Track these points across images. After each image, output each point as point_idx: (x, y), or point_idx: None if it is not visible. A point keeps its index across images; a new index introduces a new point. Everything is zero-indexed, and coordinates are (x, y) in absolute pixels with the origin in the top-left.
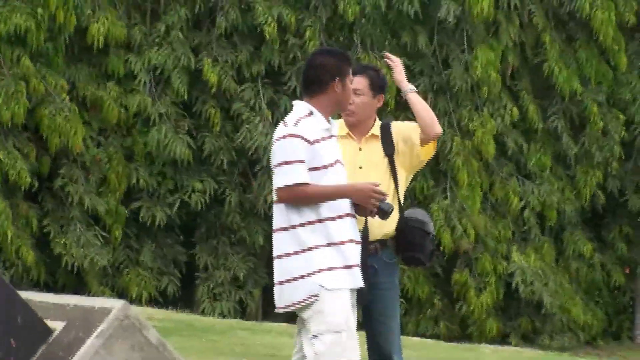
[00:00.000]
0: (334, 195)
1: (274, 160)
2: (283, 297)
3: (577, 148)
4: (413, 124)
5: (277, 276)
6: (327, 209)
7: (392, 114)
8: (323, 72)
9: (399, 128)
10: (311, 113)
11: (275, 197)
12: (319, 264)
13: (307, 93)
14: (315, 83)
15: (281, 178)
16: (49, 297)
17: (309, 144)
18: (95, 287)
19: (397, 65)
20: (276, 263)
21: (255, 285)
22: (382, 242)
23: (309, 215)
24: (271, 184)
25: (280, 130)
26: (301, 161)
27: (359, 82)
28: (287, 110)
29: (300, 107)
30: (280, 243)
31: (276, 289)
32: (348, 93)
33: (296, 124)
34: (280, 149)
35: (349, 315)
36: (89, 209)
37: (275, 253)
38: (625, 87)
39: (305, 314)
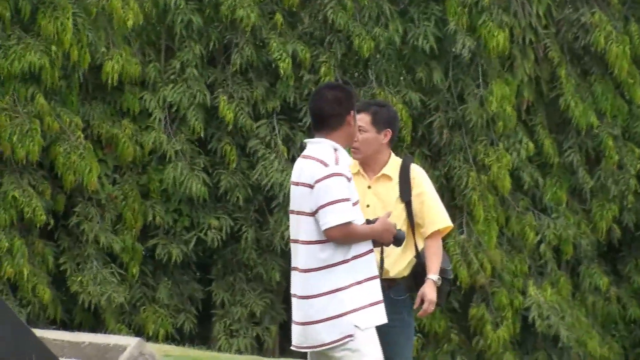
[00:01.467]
0: (371, 234)
1: (322, 200)
2: (310, 337)
3: (593, 182)
4: (430, 214)
5: (305, 316)
6: (355, 247)
7: (407, 149)
8: (339, 106)
9: (419, 191)
10: (336, 150)
11: (308, 238)
12: (351, 304)
13: (324, 128)
14: (332, 117)
15: (334, 217)
16: (64, 335)
17: (348, 181)
18: (112, 324)
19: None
20: (303, 303)
21: (272, 321)
22: (392, 280)
23: (340, 254)
24: (287, 220)
25: (321, 169)
26: (348, 199)
27: (362, 119)
28: (303, 147)
29: (326, 144)
30: (310, 283)
31: (299, 328)
32: (357, 127)
33: (337, 162)
34: (329, 189)
35: (380, 350)
36: (104, 246)
37: (303, 293)
38: (639, 121)
39: (338, 354)
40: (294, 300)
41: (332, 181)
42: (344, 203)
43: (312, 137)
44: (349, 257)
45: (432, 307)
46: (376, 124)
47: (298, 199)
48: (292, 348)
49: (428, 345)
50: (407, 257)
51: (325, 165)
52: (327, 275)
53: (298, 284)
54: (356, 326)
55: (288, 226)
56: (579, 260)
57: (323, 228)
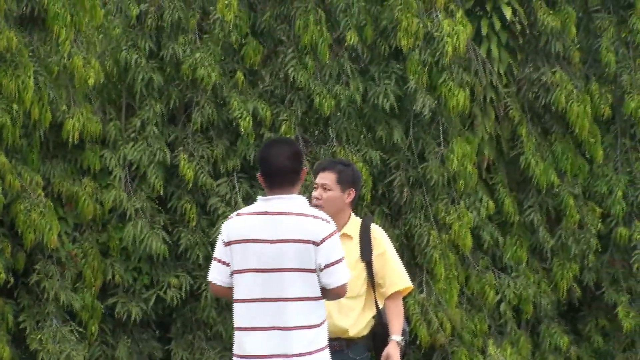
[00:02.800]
0: None
1: (333, 257)
2: None
3: (554, 241)
4: (391, 274)
5: (306, 347)
6: None
7: (368, 207)
8: (298, 162)
9: (381, 251)
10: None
11: (329, 295)
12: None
13: (285, 185)
14: (294, 174)
15: (345, 273)
16: None
17: None
18: None
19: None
20: (310, 332)
21: None
22: (351, 339)
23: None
24: None
25: (326, 226)
26: None
27: (327, 177)
28: (265, 203)
29: (302, 200)
30: (308, 338)
31: None
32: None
33: (329, 220)
34: (337, 246)
35: None
36: (64, 304)
37: (300, 350)
38: (601, 180)
39: None
40: None
41: (337, 238)
42: (345, 260)
43: (267, 194)
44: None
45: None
46: (341, 182)
47: (296, 255)
48: None
49: None
50: (367, 316)
51: (327, 222)
52: (321, 332)
53: (286, 342)
54: None
55: None
56: (539, 319)
57: (336, 284)
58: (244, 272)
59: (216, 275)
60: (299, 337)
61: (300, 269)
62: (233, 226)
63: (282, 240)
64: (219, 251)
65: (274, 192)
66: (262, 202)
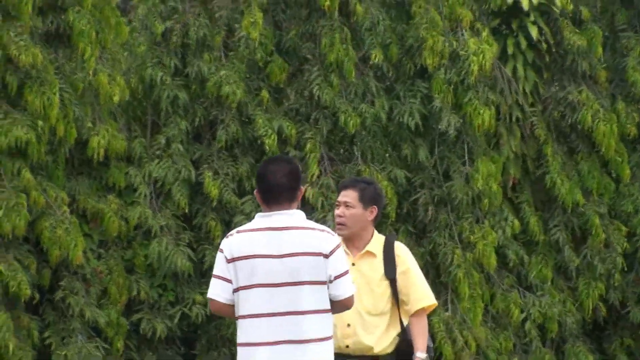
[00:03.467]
0: None
1: (340, 269)
2: None
3: (579, 260)
4: (415, 292)
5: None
6: None
7: (392, 225)
8: (297, 180)
9: (404, 268)
10: None
11: (337, 307)
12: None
13: (284, 202)
14: (292, 191)
15: (351, 285)
16: None
17: None
18: None
19: None
20: (324, 345)
21: None
22: (376, 357)
23: None
24: None
25: (332, 239)
26: None
27: (350, 195)
28: (265, 219)
29: (303, 215)
30: (327, 350)
31: None
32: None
33: (333, 232)
34: (343, 258)
35: None
36: (90, 320)
37: (320, 335)
38: (627, 199)
39: None
40: None
41: (342, 250)
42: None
43: (266, 212)
44: None
45: None
46: (363, 200)
47: (306, 268)
48: None
49: None
50: (392, 334)
51: (332, 234)
52: (332, 345)
53: (302, 355)
54: None
55: None
56: (564, 338)
57: (345, 295)
58: (252, 288)
59: (219, 292)
60: (314, 349)
61: (312, 281)
62: (236, 243)
63: (290, 254)
64: (221, 268)
65: (271, 209)
66: (263, 218)
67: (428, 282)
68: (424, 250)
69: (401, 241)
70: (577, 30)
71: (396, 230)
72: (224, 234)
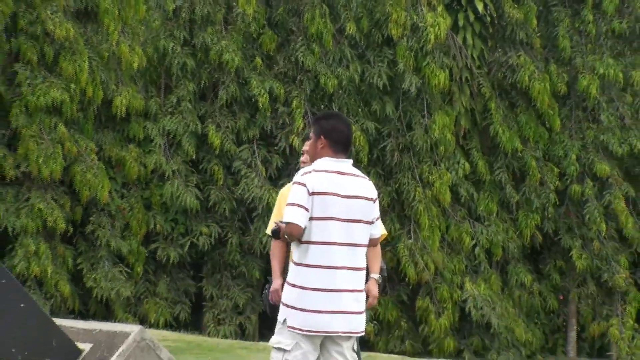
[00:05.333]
0: None
1: (378, 213)
2: (359, 325)
3: (519, 196)
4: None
5: (360, 307)
6: None
7: (365, 169)
8: None
9: None
10: None
11: (371, 242)
12: None
13: (349, 150)
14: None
15: (382, 226)
16: (79, 323)
17: None
18: (121, 314)
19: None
20: (361, 296)
21: (252, 311)
22: None
23: None
24: (264, 227)
25: (374, 187)
26: None
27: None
28: (279, 167)
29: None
30: (363, 279)
31: (353, 317)
32: None
33: None
34: (378, 205)
35: None
36: (114, 249)
37: (362, 287)
38: (558, 145)
39: (353, 341)
40: (345, 295)
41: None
42: None
43: (335, 158)
44: None
45: (375, 302)
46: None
47: (360, 209)
48: (339, 334)
49: (382, 331)
50: None
51: (372, 183)
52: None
53: (358, 280)
54: None
55: (265, 233)
56: (507, 260)
57: (379, 234)
58: (328, 220)
59: (300, 218)
60: (362, 276)
61: (365, 220)
62: (316, 180)
63: (352, 196)
64: (302, 199)
65: (337, 157)
66: (333, 162)
67: (394, 216)
68: (390, 188)
69: (372, 181)
70: (515, 6)
71: (368, 172)
72: (225, 177)
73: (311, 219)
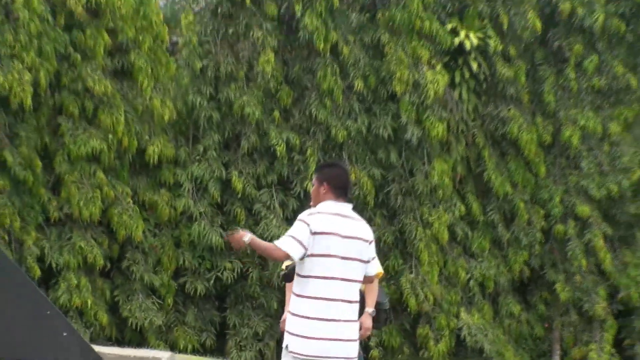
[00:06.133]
0: None
1: (374, 253)
2: (350, 351)
3: (509, 235)
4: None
5: (352, 335)
6: None
7: (371, 210)
8: None
9: None
10: None
11: (367, 280)
12: None
13: (349, 195)
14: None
15: (378, 265)
16: (115, 350)
17: None
18: (153, 341)
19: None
20: (354, 325)
21: (270, 338)
22: None
23: None
24: (281, 264)
25: (371, 230)
26: None
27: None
28: (295, 209)
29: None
30: (356, 311)
31: (344, 344)
32: None
33: None
34: (374, 246)
35: None
36: (147, 283)
37: (354, 318)
38: (544, 189)
39: None
40: (340, 324)
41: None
42: None
43: (336, 202)
44: None
45: (368, 333)
46: (317, 180)
47: (357, 249)
48: (336, 359)
49: (386, 355)
50: None
51: (369, 227)
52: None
53: (348, 311)
54: None
55: (282, 268)
56: (498, 292)
57: (375, 272)
58: (329, 257)
59: (296, 251)
60: (357, 308)
61: (361, 259)
62: (320, 221)
63: (351, 237)
64: (304, 236)
65: (338, 200)
66: (335, 205)
67: (397, 252)
68: (394, 228)
69: (377, 222)
70: (506, 65)
71: (374, 214)
72: (246, 218)
73: (313, 255)
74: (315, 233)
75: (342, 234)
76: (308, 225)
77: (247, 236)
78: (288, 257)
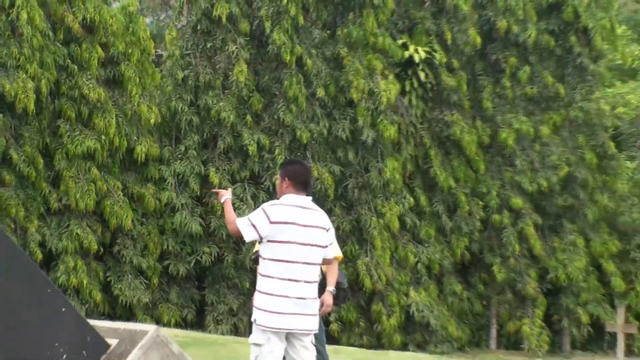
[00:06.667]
0: None
1: (332, 239)
2: (311, 325)
3: (452, 223)
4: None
5: (313, 311)
6: None
7: (332, 202)
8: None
9: None
10: None
11: (326, 262)
12: None
13: (308, 189)
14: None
15: (337, 249)
16: (107, 323)
17: None
18: (141, 316)
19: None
20: (313, 302)
21: (244, 314)
22: None
23: None
24: (252, 248)
25: (328, 219)
26: None
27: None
28: (264, 201)
29: (310, 199)
30: (315, 289)
31: (307, 318)
32: None
33: None
34: (332, 231)
35: None
36: (136, 265)
37: (312, 296)
38: (482, 184)
39: (310, 337)
40: (301, 301)
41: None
42: None
43: (297, 195)
44: None
45: (329, 309)
46: (281, 176)
47: (315, 236)
48: (300, 331)
49: (344, 329)
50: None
51: (327, 216)
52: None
53: (308, 289)
54: None
55: (252, 252)
56: (442, 274)
57: (333, 255)
58: (289, 243)
59: (248, 235)
60: (316, 287)
61: (319, 245)
62: (280, 212)
63: (311, 226)
64: (261, 223)
65: (299, 194)
66: (295, 198)
67: (354, 239)
68: (351, 218)
69: (337, 212)
70: (450, 75)
71: (334, 205)
72: (223, 210)
73: (275, 241)
74: (273, 222)
75: (300, 223)
76: (267, 216)
77: (224, 197)
78: (241, 236)
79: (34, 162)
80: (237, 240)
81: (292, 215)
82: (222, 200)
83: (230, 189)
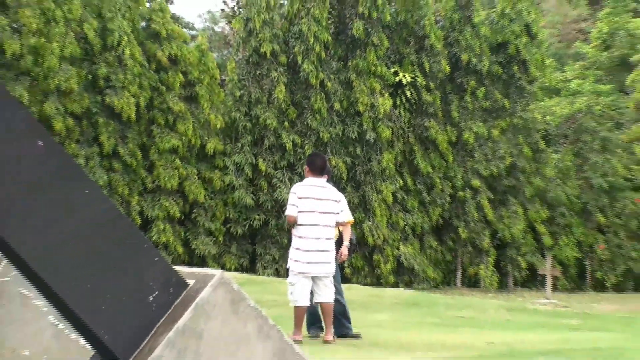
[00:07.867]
0: None
1: (343, 206)
2: (328, 269)
3: (430, 198)
4: (345, 215)
5: (329, 258)
6: None
7: (345, 183)
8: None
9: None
10: None
11: (337, 225)
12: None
13: (324, 173)
14: (327, 168)
15: (349, 214)
16: (187, 269)
17: None
18: (210, 264)
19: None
20: (331, 254)
21: (283, 262)
22: None
23: None
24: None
25: (339, 193)
26: None
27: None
28: (297, 181)
29: (325, 180)
30: (331, 244)
31: (323, 265)
32: None
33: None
34: (345, 201)
35: None
36: (207, 228)
37: (331, 249)
38: (451, 170)
39: (329, 278)
40: (322, 253)
41: (344, 197)
42: None
43: (314, 177)
44: None
45: (345, 258)
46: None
47: (330, 206)
48: (320, 274)
49: (354, 272)
50: (334, 233)
51: (339, 191)
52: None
53: (329, 245)
54: None
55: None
56: (423, 234)
57: (344, 220)
58: (311, 212)
59: (293, 213)
60: (332, 243)
61: (332, 212)
62: (303, 190)
63: (326, 199)
64: (295, 201)
65: (316, 176)
66: (313, 180)
67: (361, 210)
68: (359, 194)
69: (348, 190)
70: (428, 93)
71: (346, 185)
72: (268, 188)
73: (302, 211)
74: (300, 197)
75: (318, 197)
76: (295, 193)
77: (345, 253)
78: (293, 218)
79: (135, 155)
80: (283, 213)
81: (312, 192)
82: (346, 253)
83: (345, 246)
